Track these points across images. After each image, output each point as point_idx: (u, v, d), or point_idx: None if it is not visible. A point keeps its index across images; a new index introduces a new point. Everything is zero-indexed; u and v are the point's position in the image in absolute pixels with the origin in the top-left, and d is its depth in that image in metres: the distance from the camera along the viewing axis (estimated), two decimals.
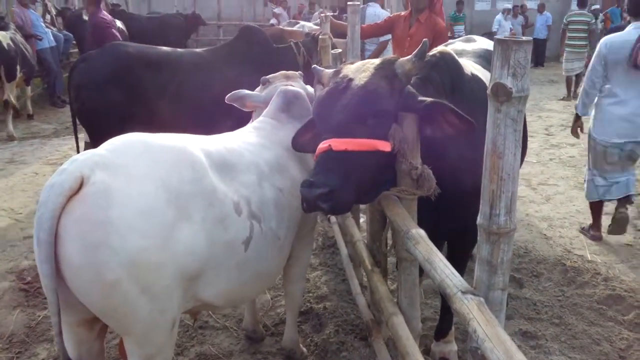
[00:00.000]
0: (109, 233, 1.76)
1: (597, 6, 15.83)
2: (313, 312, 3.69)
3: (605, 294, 3.94)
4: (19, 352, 3.24)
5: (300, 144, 2.60)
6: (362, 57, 5.95)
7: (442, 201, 2.27)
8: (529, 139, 4.38)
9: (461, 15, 16.49)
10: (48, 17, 12.25)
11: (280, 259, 2.59)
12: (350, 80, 2.25)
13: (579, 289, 4.05)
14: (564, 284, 4.13)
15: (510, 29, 15.43)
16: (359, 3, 4.37)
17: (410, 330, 2.30)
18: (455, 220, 2.65)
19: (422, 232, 2.04)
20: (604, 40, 4.65)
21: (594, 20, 11.37)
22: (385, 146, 2.17)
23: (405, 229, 2.09)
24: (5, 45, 8.23)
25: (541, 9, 16.91)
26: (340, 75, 2.34)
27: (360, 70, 2.30)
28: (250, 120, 3.06)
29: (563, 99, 11.76)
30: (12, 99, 8.36)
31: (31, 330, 3.44)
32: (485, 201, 1.61)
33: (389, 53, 7.16)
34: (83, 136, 5.61)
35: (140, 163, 1.93)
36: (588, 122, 4.88)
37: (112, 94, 4.57)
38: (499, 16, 16.05)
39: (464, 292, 1.57)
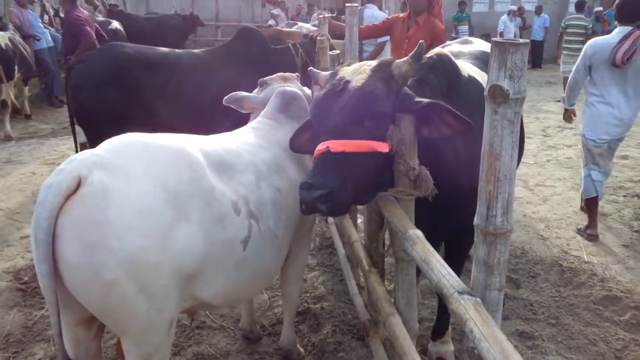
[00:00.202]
0: (107, 233, 1.77)
1: (600, 8, 15.88)
2: (310, 312, 3.70)
3: (601, 295, 3.95)
4: (16, 352, 3.23)
5: (298, 145, 2.61)
6: (360, 59, 5.97)
7: (440, 202, 2.28)
8: (526, 140, 4.42)
9: (464, 15, 16.44)
10: (46, 17, 12.23)
11: (278, 259, 2.60)
12: (347, 82, 2.26)
13: (575, 289, 4.07)
14: (561, 285, 4.14)
15: (500, 32, 15.44)
16: (357, 4, 4.39)
17: (408, 331, 2.30)
18: (452, 221, 2.66)
19: (419, 232, 2.05)
20: (589, 42, 4.93)
21: (591, 25, 11.49)
22: (382, 147, 2.18)
23: (403, 229, 2.10)
24: (2, 45, 8.22)
25: (538, 11, 16.97)
26: (337, 77, 2.34)
27: (357, 72, 2.31)
28: (249, 121, 3.07)
29: (560, 101, 11.76)
30: (12, 98, 8.35)
31: (28, 330, 3.44)
32: (482, 202, 1.62)
33: (386, 54, 7.18)
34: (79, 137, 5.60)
35: (138, 163, 1.93)
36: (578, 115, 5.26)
37: (109, 95, 4.57)
38: (505, 17, 16.04)
39: (460, 293, 1.58)
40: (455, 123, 2.15)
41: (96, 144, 2.07)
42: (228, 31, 18.36)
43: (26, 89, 9.48)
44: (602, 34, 5.86)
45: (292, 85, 3.13)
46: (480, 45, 3.69)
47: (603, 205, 5.78)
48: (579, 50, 5.28)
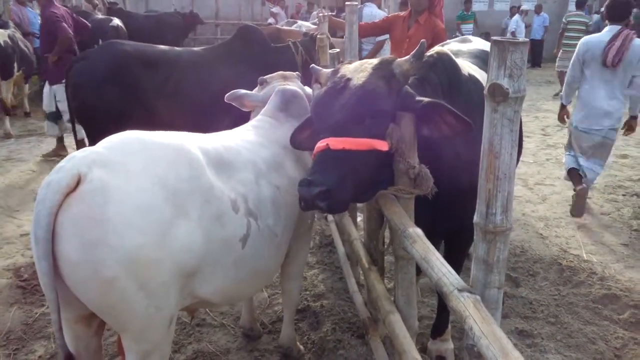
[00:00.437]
0: (106, 230, 1.77)
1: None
2: (310, 310, 3.71)
3: (600, 293, 3.96)
4: (16, 349, 3.24)
5: (299, 142, 2.62)
6: (359, 57, 5.97)
7: (439, 200, 2.28)
8: (525, 139, 4.45)
9: (469, 13, 16.33)
10: None
11: (278, 257, 2.61)
12: (348, 80, 2.26)
13: (574, 288, 4.08)
14: (560, 283, 4.15)
15: (512, 32, 15.40)
16: (356, 3, 4.39)
17: (407, 328, 2.31)
18: (452, 219, 2.67)
19: (419, 230, 2.05)
20: (582, 40, 5.29)
21: (591, 22, 11.54)
22: (382, 145, 2.18)
23: (403, 227, 2.11)
24: (2, 43, 8.22)
25: (538, 10, 16.96)
26: (338, 75, 2.34)
27: (358, 70, 2.31)
28: (249, 119, 3.07)
29: (557, 95, 11.90)
30: (10, 97, 8.35)
31: (28, 327, 3.44)
32: (481, 200, 1.62)
33: (386, 53, 7.19)
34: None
35: (138, 161, 1.93)
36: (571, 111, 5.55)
37: (109, 93, 4.57)
38: (517, 17, 16.01)
39: (460, 290, 1.59)
40: (455, 122, 2.16)
41: (96, 141, 2.08)
42: (228, 29, 18.34)
43: (26, 86, 9.47)
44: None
45: (292, 84, 3.14)
46: (480, 44, 3.70)
47: (603, 205, 5.81)
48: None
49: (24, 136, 8.39)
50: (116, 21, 11.16)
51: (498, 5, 19.40)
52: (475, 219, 1.65)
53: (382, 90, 2.21)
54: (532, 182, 6.61)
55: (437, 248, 1.99)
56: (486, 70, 2.58)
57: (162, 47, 5.18)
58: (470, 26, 15.94)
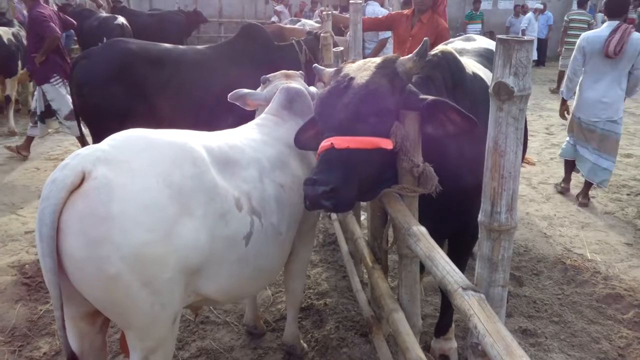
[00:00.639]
0: (111, 228, 1.77)
1: None
2: (314, 309, 3.71)
3: (604, 293, 3.95)
4: (21, 346, 3.25)
5: (303, 142, 2.61)
6: (362, 56, 5.96)
7: (443, 199, 2.28)
8: (529, 138, 4.45)
9: (478, 13, 16.20)
10: None
11: (281, 255, 2.61)
12: (352, 79, 2.26)
13: (578, 287, 4.07)
14: (564, 283, 4.14)
15: (523, 29, 15.31)
16: (361, 1, 4.38)
17: (411, 327, 2.31)
18: (456, 218, 2.67)
19: (423, 229, 2.05)
20: (583, 35, 5.64)
21: (593, 20, 11.64)
22: (387, 144, 2.18)
23: (407, 226, 2.11)
24: (5, 41, 8.23)
25: (542, 8, 16.90)
26: (342, 73, 2.35)
27: (361, 69, 2.31)
28: (252, 118, 3.07)
29: (553, 92, 12.42)
30: (14, 94, 8.37)
31: (33, 324, 3.46)
32: (486, 199, 1.62)
33: (388, 51, 7.19)
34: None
35: (142, 158, 1.93)
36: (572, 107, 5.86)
37: (113, 91, 4.59)
38: (530, 15, 15.95)
39: (464, 289, 1.59)
40: (460, 121, 2.16)
41: (100, 139, 2.08)
42: (231, 28, 18.36)
43: (30, 84, 9.48)
44: None
45: (295, 82, 3.14)
46: (483, 42, 3.69)
47: (607, 204, 5.80)
48: None
49: None
50: (121, 19, 11.16)
51: (502, 4, 19.36)
52: (480, 217, 1.65)
53: (385, 89, 2.21)
54: (536, 181, 6.60)
55: (441, 247, 1.99)
56: (490, 69, 2.59)
57: (166, 45, 5.19)
58: (478, 26, 15.76)
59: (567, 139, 5.97)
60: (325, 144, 2.16)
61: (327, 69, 2.66)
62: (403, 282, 2.45)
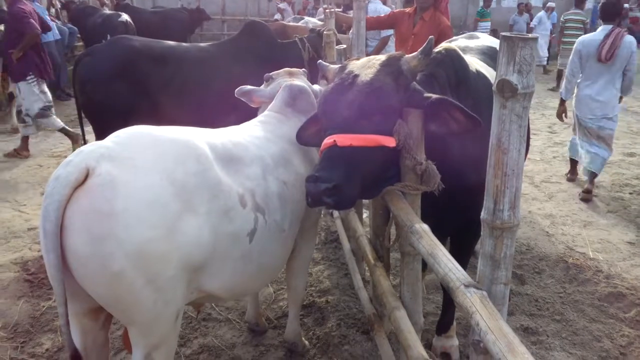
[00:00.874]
0: (115, 224, 1.78)
1: (626, 5, 16.06)
2: (315, 306, 3.72)
3: (606, 292, 3.95)
4: (24, 342, 3.27)
5: (305, 138, 2.62)
6: (365, 54, 5.96)
7: (446, 196, 2.28)
8: (532, 136, 4.45)
9: (488, 11, 16.12)
10: (53, 10, 12.24)
11: (284, 252, 2.61)
12: (356, 76, 2.26)
13: (580, 286, 4.07)
14: (566, 281, 4.14)
15: (532, 27, 15.23)
16: None
17: (413, 324, 2.31)
18: (458, 216, 2.67)
19: (425, 226, 2.06)
20: (579, 39, 6.00)
21: (588, 20, 11.85)
22: (390, 142, 2.18)
23: (409, 223, 2.11)
24: None
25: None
26: (346, 71, 2.34)
27: (365, 67, 2.31)
28: (256, 115, 3.07)
29: (552, 89, 12.59)
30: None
31: (35, 321, 3.47)
32: (489, 196, 1.62)
33: (390, 49, 7.19)
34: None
35: (146, 155, 1.94)
36: (571, 108, 6.25)
37: (117, 88, 4.59)
38: (542, 13, 15.90)
39: (467, 286, 1.59)
40: (463, 119, 2.15)
41: (103, 136, 2.08)
42: (234, 25, 18.31)
43: None
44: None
45: (298, 80, 3.14)
46: (487, 40, 3.69)
47: (609, 203, 5.79)
48: None
49: None
50: (125, 16, 11.18)
51: (506, 2, 19.32)
52: (483, 215, 1.65)
53: (389, 87, 2.21)
54: (539, 179, 6.59)
55: (443, 245, 1.99)
56: (494, 67, 2.58)
57: (170, 42, 5.19)
58: (489, 24, 15.62)
59: (572, 137, 6.27)
60: (328, 141, 2.16)
61: (332, 66, 2.66)
62: (405, 280, 2.45)
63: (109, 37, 9.12)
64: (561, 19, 11.89)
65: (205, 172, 2.07)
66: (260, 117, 2.87)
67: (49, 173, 6.02)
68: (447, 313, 3.19)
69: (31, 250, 4.39)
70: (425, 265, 2.92)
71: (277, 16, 15.02)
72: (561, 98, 6.17)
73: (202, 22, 16.13)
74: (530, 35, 1.47)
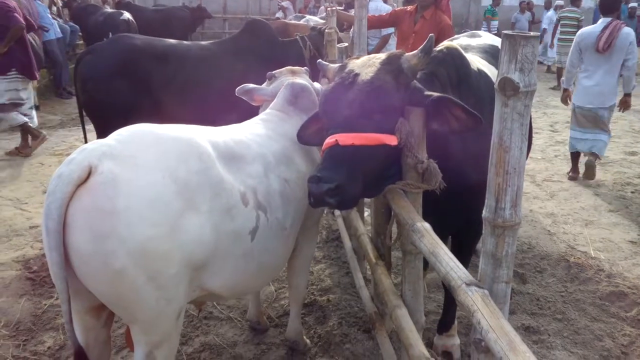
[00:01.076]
0: (117, 222, 1.78)
1: (635, 4, 16.10)
2: (317, 305, 3.72)
3: (608, 291, 3.95)
4: (26, 340, 3.27)
5: (305, 137, 2.62)
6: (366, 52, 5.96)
7: (447, 195, 2.28)
8: (534, 135, 4.45)
9: (497, 9, 16.16)
10: (54, 8, 12.25)
11: (286, 250, 2.61)
12: (357, 75, 2.25)
13: (582, 285, 4.07)
14: (567, 280, 4.14)
15: (544, 28, 15.20)
16: None
17: (414, 323, 2.32)
18: (460, 214, 2.67)
19: (427, 225, 2.06)
20: (579, 32, 6.37)
21: (583, 17, 11.93)
22: (391, 140, 2.17)
23: (411, 222, 2.11)
24: None
25: (548, 5, 16.80)
26: (346, 70, 2.34)
27: (366, 65, 2.31)
28: (257, 114, 3.07)
29: (553, 88, 12.62)
30: None
31: (37, 319, 3.47)
32: (490, 194, 1.62)
33: (391, 47, 7.19)
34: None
35: (148, 153, 1.94)
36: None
37: (118, 86, 4.60)
38: (551, 12, 15.89)
39: (468, 284, 1.59)
40: (465, 117, 2.15)
41: (105, 134, 2.09)
42: (235, 24, 18.36)
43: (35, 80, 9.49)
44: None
45: (300, 78, 3.14)
46: (489, 38, 3.68)
47: (611, 202, 5.78)
48: (572, 40, 6.36)
49: None
50: (127, 15, 11.19)
51: (508, 1, 19.29)
52: (484, 213, 1.65)
53: (390, 86, 2.21)
54: (540, 178, 6.59)
55: (445, 243, 1.99)
56: (495, 65, 2.58)
57: (171, 41, 5.19)
58: (497, 22, 15.61)
59: (570, 132, 6.51)
60: (329, 140, 2.16)
61: (332, 65, 2.66)
62: (406, 279, 2.45)
63: (110, 35, 9.11)
64: (556, 15, 12.22)
65: (208, 170, 2.07)
66: (262, 115, 2.87)
67: (50, 171, 6.03)
68: (448, 312, 3.19)
69: (33, 248, 4.39)
70: (426, 264, 2.92)
71: (279, 14, 15.00)
72: (563, 87, 6.45)
73: (204, 21, 16.16)
74: (532, 34, 1.47)
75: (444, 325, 3.22)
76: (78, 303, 2.00)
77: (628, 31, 5.90)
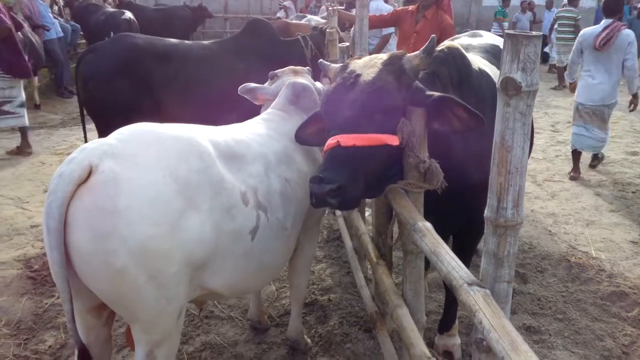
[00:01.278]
0: (117, 221, 1.78)
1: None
2: (318, 304, 3.72)
3: (609, 291, 3.95)
4: (27, 339, 3.27)
5: (305, 137, 2.61)
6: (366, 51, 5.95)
7: (449, 195, 2.27)
8: (535, 135, 4.45)
9: (507, 10, 16.13)
10: (56, 7, 12.25)
11: (286, 250, 2.61)
12: (358, 75, 2.25)
13: (583, 285, 4.06)
14: (568, 280, 4.14)
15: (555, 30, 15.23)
16: None
17: (415, 322, 2.31)
18: (461, 214, 2.66)
19: (428, 224, 2.05)
20: (582, 31, 6.61)
21: (580, 17, 11.94)
22: (393, 140, 2.17)
23: (412, 221, 2.11)
24: None
25: (549, 5, 16.78)
26: (348, 70, 2.34)
27: (367, 66, 2.30)
28: (258, 113, 3.07)
29: (554, 88, 12.73)
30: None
31: (38, 318, 3.47)
32: (492, 194, 1.62)
33: (392, 47, 7.18)
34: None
35: (149, 152, 1.94)
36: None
37: (119, 85, 4.59)
38: (553, 12, 15.86)
39: (470, 284, 1.59)
40: (466, 117, 2.15)
41: (106, 134, 2.09)
42: (237, 23, 18.34)
43: (35, 79, 9.49)
44: None
45: (302, 78, 3.13)
46: (490, 38, 3.68)
47: (612, 202, 5.78)
48: (571, 40, 6.92)
49: (34, 128, 8.39)
50: (128, 14, 11.18)
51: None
52: (486, 213, 1.64)
53: (392, 86, 2.20)
54: (541, 178, 6.58)
55: (446, 243, 1.99)
56: (497, 65, 2.57)
57: (173, 40, 5.19)
58: (506, 24, 15.56)
59: (573, 129, 6.63)
60: (331, 141, 2.15)
61: (333, 65, 2.65)
62: (407, 278, 2.45)
63: (112, 34, 9.11)
64: (553, 16, 12.40)
65: (208, 170, 2.07)
66: (263, 115, 2.87)
67: (51, 170, 6.03)
68: (449, 312, 3.19)
69: (34, 247, 4.40)
70: (427, 264, 2.92)
71: (280, 14, 14.99)
72: (569, 82, 6.97)
73: (205, 20, 16.15)
74: (534, 33, 1.47)
75: (445, 324, 3.22)
76: (79, 302, 2.00)
77: (628, 32, 6.10)
